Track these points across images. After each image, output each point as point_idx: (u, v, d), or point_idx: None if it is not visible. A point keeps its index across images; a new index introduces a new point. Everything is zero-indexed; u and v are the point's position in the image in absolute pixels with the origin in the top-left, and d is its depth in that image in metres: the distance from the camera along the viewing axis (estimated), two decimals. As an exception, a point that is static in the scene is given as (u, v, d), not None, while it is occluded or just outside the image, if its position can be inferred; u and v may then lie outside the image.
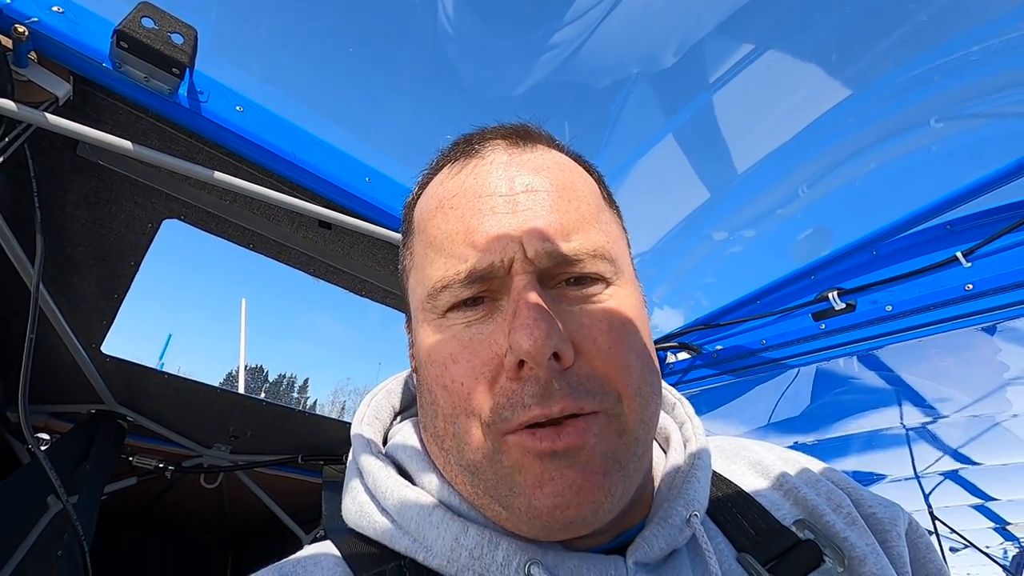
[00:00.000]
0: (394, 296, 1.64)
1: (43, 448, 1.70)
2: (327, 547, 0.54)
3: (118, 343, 1.73)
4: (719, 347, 1.72)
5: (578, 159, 0.59)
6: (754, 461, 0.64)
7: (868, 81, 1.50)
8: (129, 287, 1.51)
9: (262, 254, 1.47)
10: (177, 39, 0.98)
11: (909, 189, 1.62)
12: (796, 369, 1.78)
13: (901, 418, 2.48)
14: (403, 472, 0.55)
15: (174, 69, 0.99)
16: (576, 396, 0.43)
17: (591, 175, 0.58)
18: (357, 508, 0.53)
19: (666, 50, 1.62)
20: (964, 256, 1.22)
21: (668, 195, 2.04)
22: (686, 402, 0.65)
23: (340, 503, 0.58)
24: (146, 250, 1.42)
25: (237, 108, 1.13)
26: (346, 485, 0.57)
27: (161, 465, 2.06)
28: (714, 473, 0.60)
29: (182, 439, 2.10)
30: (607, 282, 0.49)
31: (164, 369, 1.83)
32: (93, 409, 1.83)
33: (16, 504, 1.24)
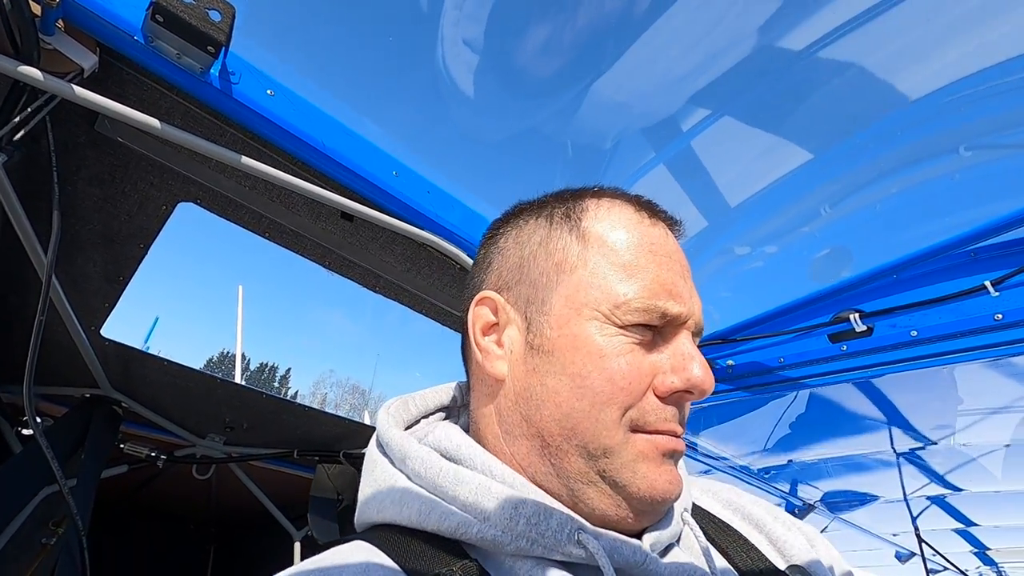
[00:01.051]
0: (407, 293, 1.60)
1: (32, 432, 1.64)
2: (366, 551, 0.53)
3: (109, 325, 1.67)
4: (731, 362, 1.71)
5: None
6: (710, 491, 0.77)
7: (898, 105, 1.49)
8: (136, 270, 1.46)
9: (277, 243, 1.43)
10: (215, 16, 0.93)
11: (931, 215, 1.62)
12: (799, 389, 1.78)
13: (892, 443, 2.50)
14: (451, 461, 0.59)
15: (209, 47, 0.95)
16: (684, 423, 0.60)
17: None
18: (396, 496, 0.56)
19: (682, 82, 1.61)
20: (993, 285, 1.21)
21: (683, 207, 2.02)
22: None
23: (332, 522, 0.61)
24: (157, 233, 1.38)
25: (268, 92, 1.09)
26: (373, 482, 0.60)
27: (153, 454, 2.00)
28: (704, 510, 0.72)
29: (176, 428, 2.05)
30: None
31: (162, 355, 1.78)
32: (87, 393, 1.77)
33: (10, 491, 1.18)
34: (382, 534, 0.55)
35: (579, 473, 0.56)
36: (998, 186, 1.49)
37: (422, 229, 1.30)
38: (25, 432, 1.64)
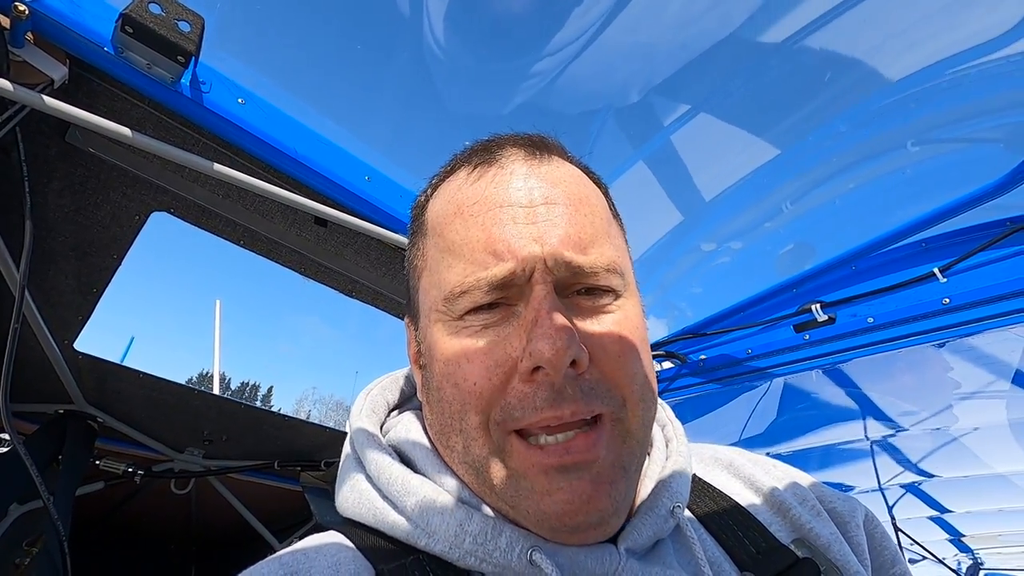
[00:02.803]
0: (384, 298, 1.62)
1: (7, 449, 1.61)
2: (331, 536, 0.54)
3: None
4: (703, 356, 1.76)
5: (588, 172, 0.61)
6: (730, 465, 0.67)
7: (849, 105, 1.57)
8: (109, 282, 1.45)
9: (252, 251, 1.44)
10: (184, 27, 0.96)
11: (886, 208, 1.70)
12: (776, 380, 1.83)
13: (865, 431, 2.57)
14: (406, 463, 0.56)
15: (179, 57, 0.97)
16: (587, 400, 0.46)
17: (600, 188, 0.60)
18: (356, 496, 0.54)
19: (664, 64, 1.67)
20: (941, 272, 1.28)
21: (655, 206, 2.08)
22: (667, 406, 0.69)
23: (329, 500, 0.58)
24: (131, 243, 1.38)
25: (239, 100, 1.11)
26: (343, 476, 0.58)
27: (130, 469, 1.97)
28: (706, 483, 0.64)
29: (153, 442, 2.02)
30: (616, 294, 0.51)
31: (138, 368, 1.77)
32: (61, 409, 1.75)
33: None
34: (353, 528, 0.54)
35: (484, 493, 0.50)
36: (944, 179, 1.57)
37: (396, 233, 1.33)
38: (-2, 450, 1.61)
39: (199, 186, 1.27)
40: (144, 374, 1.75)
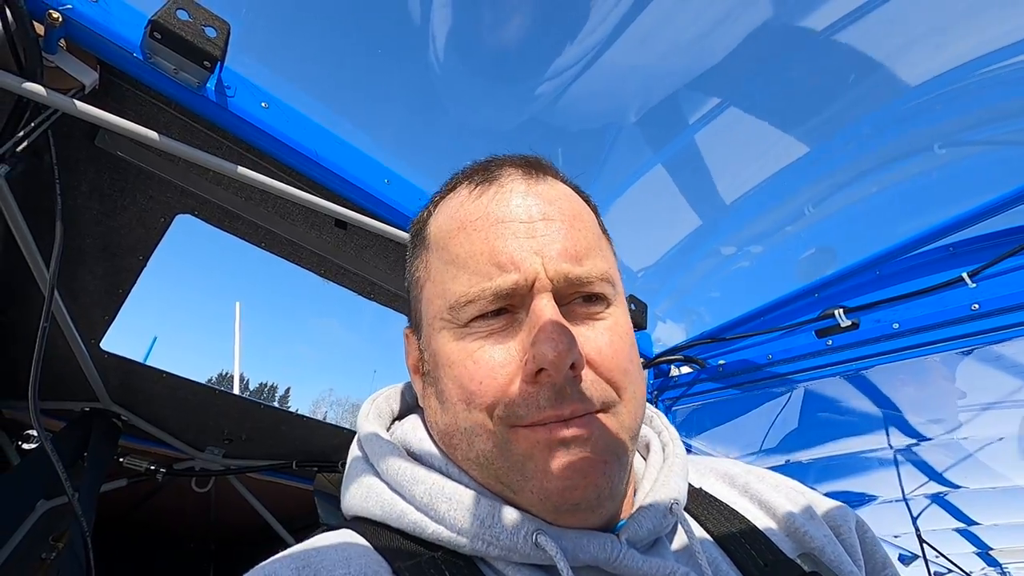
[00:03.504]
0: (401, 300, 1.63)
1: (35, 446, 1.66)
2: (342, 533, 0.55)
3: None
4: (723, 362, 1.73)
5: (579, 191, 0.65)
6: (726, 475, 0.71)
7: (874, 107, 1.55)
8: (135, 283, 1.48)
9: (274, 253, 1.46)
10: (211, 32, 0.98)
11: (910, 212, 1.67)
12: (795, 387, 1.80)
13: (888, 440, 2.51)
14: (413, 457, 0.59)
15: (205, 62, 0.99)
16: (584, 400, 0.50)
17: (590, 206, 0.65)
18: (365, 492, 0.57)
19: (685, 64, 1.66)
20: (970, 277, 1.25)
21: (674, 210, 2.07)
22: (661, 414, 0.73)
23: (335, 506, 0.61)
24: (156, 245, 1.41)
25: (263, 104, 1.13)
26: (351, 476, 0.60)
27: (152, 467, 2.01)
28: (707, 494, 0.66)
29: (175, 441, 2.06)
30: (608, 301, 0.56)
31: (162, 367, 1.80)
32: (87, 407, 1.79)
33: (11, 504, 1.20)
34: (362, 525, 0.56)
35: (490, 484, 0.53)
36: (972, 181, 1.54)
37: (414, 235, 1.34)
38: (25, 447, 1.65)
39: (223, 189, 1.30)
40: (167, 374, 1.79)
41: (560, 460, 0.48)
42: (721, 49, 1.58)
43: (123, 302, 1.52)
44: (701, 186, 1.91)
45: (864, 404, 2.08)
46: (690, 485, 0.66)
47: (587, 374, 0.51)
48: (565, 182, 0.63)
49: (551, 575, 0.50)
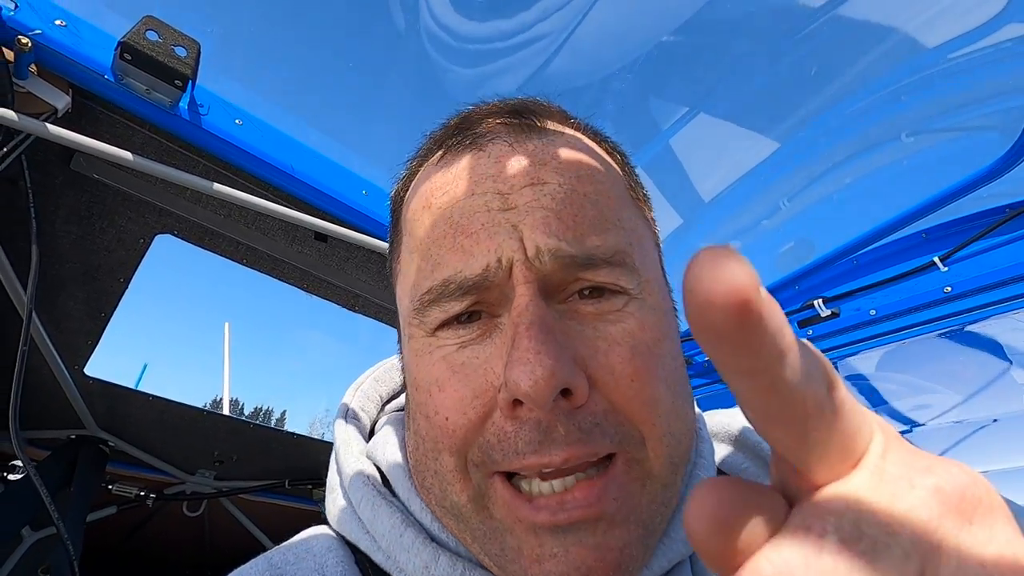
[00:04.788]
0: (387, 311, 1.64)
1: (19, 477, 1.63)
2: (324, 535, 0.50)
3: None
4: (708, 358, 1.75)
5: (598, 137, 0.50)
6: (757, 447, 0.56)
7: (842, 98, 1.58)
8: (116, 306, 1.48)
9: (255, 269, 1.47)
10: (180, 52, 0.99)
11: (885, 201, 1.70)
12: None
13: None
14: (386, 480, 0.49)
15: (176, 81, 1.00)
16: (587, 441, 0.35)
17: (614, 160, 0.49)
18: (338, 512, 0.49)
19: (654, 60, 1.70)
20: (941, 261, 1.27)
21: (657, 211, 2.09)
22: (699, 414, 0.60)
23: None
24: (136, 267, 1.41)
25: (236, 121, 1.14)
26: (329, 485, 0.54)
27: (142, 493, 1.98)
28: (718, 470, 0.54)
29: (165, 465, 2.04)
30: (628, 295, 0.40)
31: (148, 391, 1.79)
32: (73, 434, 1.77)
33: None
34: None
35: (463, 538, 0.42)
36: (942, 168, 1.57)
37: (395, 245, 1.35)
38: (11, 477, 1.63)
39: (201, 207, 1.30)
40: (154, 397, 1.77)
41: (552, 551, 0.35)
42: (686, 51, 1.61)
43: (106, 326, 1.52)
44: (681, 185, 1.94)
45: (854, 393, 2.10)
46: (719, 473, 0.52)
47: (596, 402, 0.36)
48: (577, 127, 0.48)
49: None
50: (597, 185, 0.42)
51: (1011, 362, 1.57)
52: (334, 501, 0.51)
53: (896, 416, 2.34)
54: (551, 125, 0.46)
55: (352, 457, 0.50)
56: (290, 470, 2.20)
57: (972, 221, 1.35)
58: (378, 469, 0.50)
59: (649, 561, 0.41)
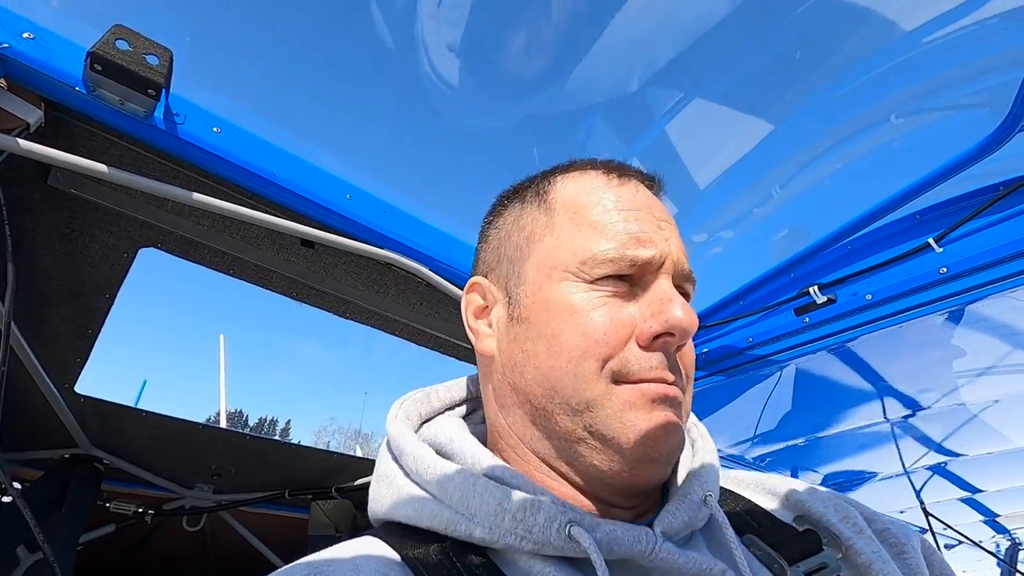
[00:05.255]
0: (377, 316, 1.62)
1: (10, 499, 1.61)
2: (364, 539, 0.55)
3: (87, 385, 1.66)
4: (705, 350, 1.73)
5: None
6: (759, 484, 0.70)
7: (829, 83, 1.56)
8: (104, 322, 1.46)
9: (242, 279, 1.45)
10: (152, 60, 0.97)
11: (878, 185, 1.68)
12: (782, 368, 1.80)
13: (884, 413, 2.51)
14: (443, 455, 0.59)
15: (150, 90, 0.98)
16: (679, 374, 0.56)
17: None
18: (395, 493, 0.57)
19: (649, 56, 1.68)
20: (936, 242, 1.26)
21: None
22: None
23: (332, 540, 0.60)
24: (121, 281, 1.39)
25: (215, 129, 1.12)
26: (378, 481, 0.61)
27: (140, 510, 1.96)
28: (731, 491, 0.67)
29: (162, 481, 2.02)
30: (690, 299, 0.63)
31: (141, 407, 1.77)
32: (67, 454, 1.75)
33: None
34: (389, 529, 0.56)
35: (568, 432, 0.55)
36: (934, 149, 1.55)
37: (382, 248, 1.33)
38: (5, 499, 1.61)
39: (183, 219, 1.28)
40: (147, 412, 1.75)
41: (658, 414, 0.53)
42: (679, 38, 1.59)
43: (94, 343, 1.50)
44: (677, 174, 1.92)
45: (855, 379, 2.08)
46: (721, 488, 0.66)
47: (682, 355, 0.57)
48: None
49: (585, 571, 0.50)
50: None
51: (1011, 342, 1.55)
52: (391, 484, 0.58)
53: (901, 399, 2.32)
54: (657, 191, 0.68)
55: (412, 442, 0.59)
56: (289, 481, 2.18)
57: (966, 200, 1.33)
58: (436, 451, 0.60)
59: (667, 506, 0.55)
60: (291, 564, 0.51)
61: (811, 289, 1.47)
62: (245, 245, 1.36)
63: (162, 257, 1.41)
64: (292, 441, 2.05)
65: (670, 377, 0.54)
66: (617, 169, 0.66)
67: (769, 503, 0.66)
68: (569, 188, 0.65)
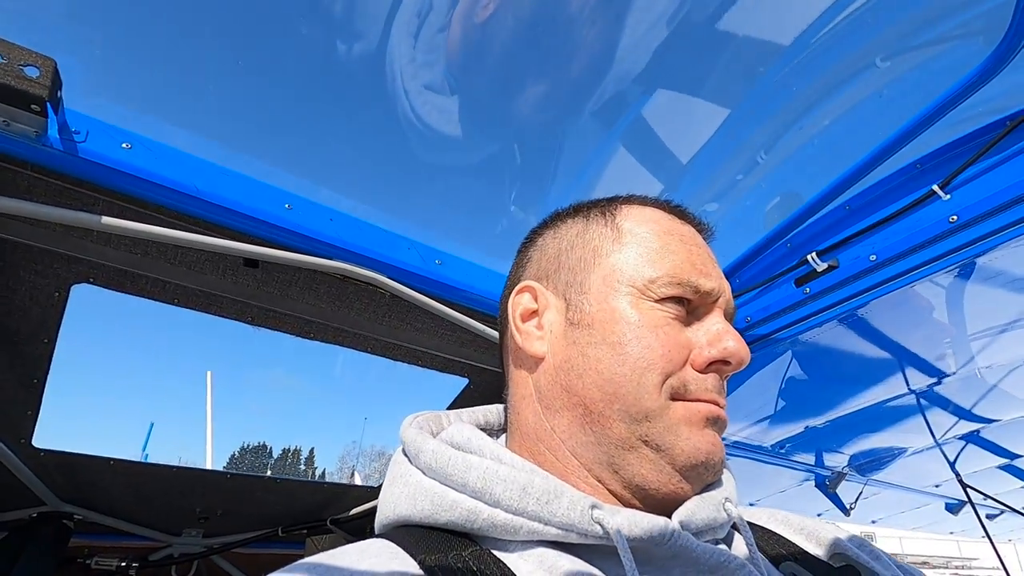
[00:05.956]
0: (344, 333, 1.50)
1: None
2: (374, 543, 0.55)
3: (66, 439, 1.56)
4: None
5: None
6: (772, 516, 0.71)
7: (804, 31, 1.43)
8: (48, 369, 1.35)
9: (189, 308, 1.34)
10: (32, 72, 0.86)
11: (870, 136, 1.55)
12: (790, 349, 1.66)
13: (907, 383, 2.36)
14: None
15: (34, 106, 0.87)
16: (723, 400, 0.60)
17: None
18: (411, 491, 0.57)
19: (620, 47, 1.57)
20: (941, 188, 1.12)
21: (634, 183, 1.96)
22: None
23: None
24: (59, 324, 1.28)
25: (124, 145, 1.01)
26: (391, 484, 0.61)
27: (124, 563, 1.85)
28: (763, 527, 0.68)
29: (146, 531, 1.91)
30: None
31: (110, 455, 1.66)
32: (34, 513, 1.64)
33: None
34: (399, 531, 0.56)
35: (621, 439, 0.57)
36: (929, 91, 1.41)
37: (333, 260, 1.22)
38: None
39: (112, 248, 1.18)
40: (116, 460, 1.65)
41: (709, 432, 0.57)
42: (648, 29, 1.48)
43: (43, 392, 1.39)
44: (658, 150, 1.81)
45: (870, 349, 1.93)
46: (750, 523, 0.69)
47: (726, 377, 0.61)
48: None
49: (604, 558, 0.51)
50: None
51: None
52: (406, 483, 0.58)
53: (923, 367, 2.17)
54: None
55: (429, 440, 0.59)
56: (282, 516, 2.06)
57: (971, 141, 1.20)
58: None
59: (688, 501, 0.57)
60: (293, 564, 0.50)
61: (810, 257, 1.34)
62: (185, 271, 1.25)
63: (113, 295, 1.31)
64: (276, 476, 1.94)
65: (722, 401, 0.59)
66: (677, 210, 0.70)
67: (801, 540, 0.67)
68: (636, 214, 0.68)
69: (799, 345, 1.66)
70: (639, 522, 0.51)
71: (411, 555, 0.50)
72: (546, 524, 0.50)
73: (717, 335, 0.59)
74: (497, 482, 0.52)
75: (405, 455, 0.63)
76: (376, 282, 1.25)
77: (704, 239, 0.69)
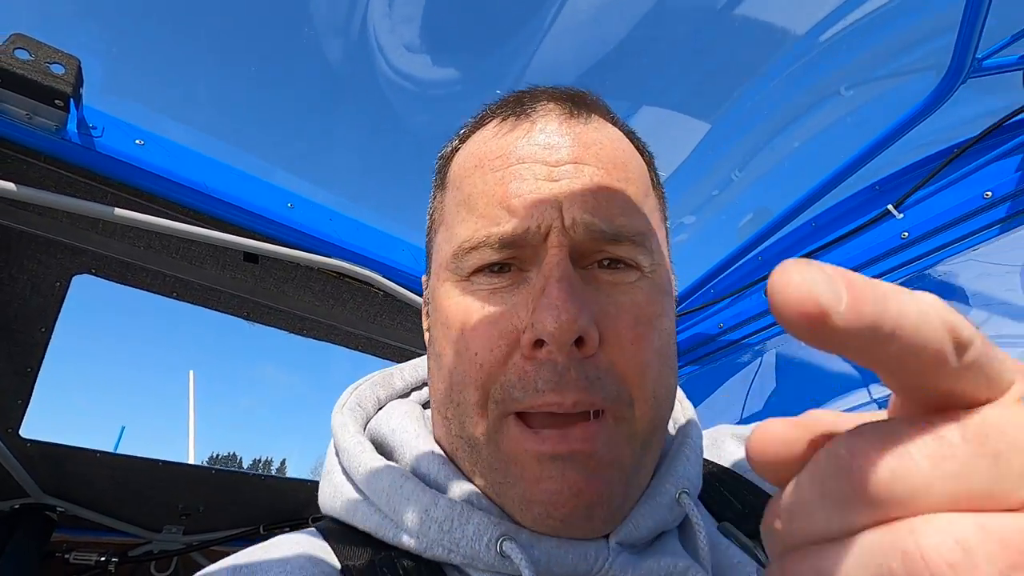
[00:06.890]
0: (337, 331, 1.55)
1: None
2: (301, 534, 0.51)
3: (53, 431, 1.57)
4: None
5: (632, 136, 0.55)
6: (739, 435, 0.64)
7: (770, 61, 1.55)
8: (43, 358, 1.38)
9: (187, 301, 1.38)
10: (57, 69, 0.92)
11: (835, 157, 1.66)
12: (757, 352, 1.76)
13: (869, 393, 2.48)
14: (385, 452, 0.53)
15: (57, 101, 0.92)
16: (591, 389, 0.41)
17: (643, 156, 0.54)
18: (332, 491, 0.52)
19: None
20: (895, 207, 1.23)
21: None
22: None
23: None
24: (57, 314, 1.31)
25: (137, 141, 1.06)
26: (324, 473, 0.55)
27: (103, 558, 1.85)
28: (730, 471, 0.59)
29: (127, 526, 1.91)
30: (641, 271, 0.45)
31: (96, 448, 1.67)
32: (17, 504, 1.64)
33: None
34: (331, 526, 0.52)
35: (474, 470, 0.46)
36: (886, 116, 1.54)
37: (331, 257, 1.27)
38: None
39: (116, 240, 1.22)
40: (103, 453, 1.66)
41: (550, 474, 0.41)
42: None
43: (35, 382, 1.41)
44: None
45: (833, 361, 2.05)
46: (706, 462, 0.59)
47: (599, 358, 0.41)
48: (616, 124, 0.54)
49: None
50: (628, 174, 0.48)
51: (970, 303, 1.53)
52: (330, 481, 0.52)
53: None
54: (596, 116, 0.51)
55: (349, 435, 0.52)
56: (264, 514, 2.08)
57: (923, 166, 1.32)
58: (377, 444, 0.54)
59: (630, 512, 0.45)
60: (219, 562, 0.46)
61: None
62: (186, 264, 1.30)
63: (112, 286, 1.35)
64: (260, 473, 1.96)
65: (567, 401, 0.40)
66: (515, 104, 0.51)
67: (739, 450, 0.61)
68: (461, 156, 0.52)
69: (772, 354, 1.76)
70: (560, 557, 0.42)
71: (335, 552, 0.47)
72: (449, 551, 0.43)
73: (536, 302, 0.41)
74: (400, 499, 0.45)
75: (334, 446, 0.55)
76: (371, 280, 1.31)
77: (574, 117, 0.49)
